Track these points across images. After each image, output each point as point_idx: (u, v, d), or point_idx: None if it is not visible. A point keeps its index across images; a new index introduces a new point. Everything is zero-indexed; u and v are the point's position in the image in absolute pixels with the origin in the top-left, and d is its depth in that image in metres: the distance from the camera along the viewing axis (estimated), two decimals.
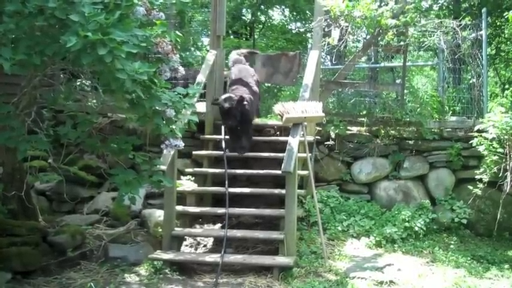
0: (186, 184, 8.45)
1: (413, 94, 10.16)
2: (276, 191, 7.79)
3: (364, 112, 10.10)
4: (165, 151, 6.46)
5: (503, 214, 8.25)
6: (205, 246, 7.70)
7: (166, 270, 6.83)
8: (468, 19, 9.76)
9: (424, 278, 6.88)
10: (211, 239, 7.68)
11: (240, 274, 6.79)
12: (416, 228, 8.27)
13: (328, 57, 12.86)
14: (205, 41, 16.25)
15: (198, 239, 7.78)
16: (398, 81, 11.44)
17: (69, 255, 6.93)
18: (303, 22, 17.85)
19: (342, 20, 9.31)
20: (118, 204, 7.87)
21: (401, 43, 9.54)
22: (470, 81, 9.90)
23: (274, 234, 7.20)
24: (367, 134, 9.21)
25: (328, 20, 9.30)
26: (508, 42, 13.49)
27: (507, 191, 7.84)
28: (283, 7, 18.54)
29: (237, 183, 8.26)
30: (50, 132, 5.90)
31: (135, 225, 7.92)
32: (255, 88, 8.92)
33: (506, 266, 7.50)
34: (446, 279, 6.85)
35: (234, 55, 9.45)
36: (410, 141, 9.10)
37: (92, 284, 6.26)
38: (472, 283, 6.76)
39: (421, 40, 9.54)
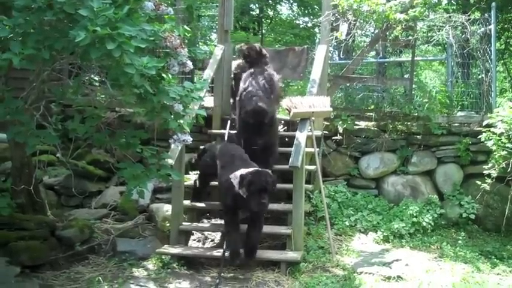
0: (194, 179, 8.45)
1: (422, 89, 10.13)
2: (284, 185, 7.79)
3: (372, 107, 10.10)
4: (173, 146, 6.49)
5: None
6: (212, 240, 7.72)
7: (174, 265, 6.85)
8: (477, 13, 9.72)
9: (432, 274, 6.87)
10: (219, 234, 7.69)
11: (247, 269, 6.78)
12: (424, 224, 8.26)
13: (336, 51, 12.85)
14: (213, 36, 16.26)
15: (206, 233, 7.80)
16: (406, 75, 11.40)
17: (77, 249, 6.96)
18: (311, 17, 17.80)
19: (350, 14, 9.28)
20: (126, 199, 7.92)
21: (410, 38, 9.51)
22: (479, 76, 9.87)
23: (282, 229, 7.20)
24: (375, 128, 9.19)
25: (336, 15, 9.27)
26: None
27: None
28: (291, 1, 18.52)
29: None
30: (59, 126, 5.92)
31: (143, 220, 7.95)
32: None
33: None
34: (454, 275, 6.84)
35: None
36: (418, 136, 9.07)
37: (100, 278, 6.30)
38: (480, 279, 6.74)
39: (429, 34, 9.51)
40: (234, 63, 9.35)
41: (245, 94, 7.81)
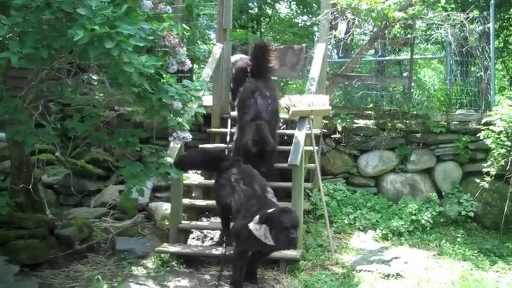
0: (193, 177, 8.47)
1: (421, 87, 10.14)
2: (283, 184, 7.79)
3: (371, 105, 10.12)
4: (172, 143, 6.47)
5: (511, 207, 8.23)
6: (212, 239, 7.72)
7: (174, 263, 6.85)
8: (476, 12, 9.73)
9: (431, 271, 6.89)
10: (218, 232, 7.69)
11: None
12: (423, 221, 8.27)
13: (335, 50, 12.86)
14: (212, 36, 16.24)
15: (205, 231, 7.80)
16: (405, 74, 11.41)
17: (77, 248, 6.97)
18: (310, 15, 17.80)
19: (349, 12, 9.30)
20: (125, 197, 7.92)
21: (409, 36, 9.51)
22: (478, 74, 9.88)
23: None
24: (374, 127, 9.20)
25: (335, 13, 9.28)
26: None
27: None
28: (289, 0, 18.52)
29: None
30: (57, 125, 5.91)
31: (142, 218, 7.96)
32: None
33: None
34: (453, 272, 6.86)
35: None
36: (417, 134, 9.09)
37: (99, 276, 6.29)
38: (479, 276, 6.77)
39: (428, 33, 9.52)
40: (238, 63, 9.30)
41: (249, 119, 7.67)
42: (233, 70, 9.36)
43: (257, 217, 5.80)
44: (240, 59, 9.51)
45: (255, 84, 8.07)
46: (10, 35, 4.63)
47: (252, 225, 5.80)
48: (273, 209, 5.86)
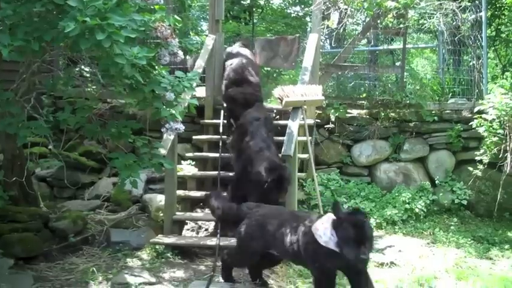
0: (187, 169, 8.46)
1: (413, 76, 10.14)
2: None
3: (364, 95, 10.13)
4: (165, 135, 6.47)
5: (503, 195, 8.29)
6: (206, 230, 7.72)
7: (168, 254, 6.86)
8: (468, 0, 9.72)
9: (425, 259, 6.93)
10: (212, 223, 7.69)
11: None
12: (417, 210, 8.31)
13: (328, 40, 12.84)
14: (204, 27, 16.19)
15: (200, 223, 7.79)
16: (398, 63, 11.42)
17: (71, 240, 6.96)
18: (302, 6, 17.76)
19: (341, 2, 9.28)
20: (119, 190, 7.92)
21: (401, 25, 9.51)
22: (470, 63, 9.89)
23: None
24: (367, 116, 9.21)
25: (328, 3, 9.26)
26: (508, 24, 13.41)
27: (507, 171, 7.92)
28: None
29: None
30: (50, 118, 5.89)
31: (136, 210, 7.95)
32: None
33: (507, 246, 7.55)
34: (447, 260, 6.90)
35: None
36: (410, 124, 9.11)
37: (94, 268, 6.30)
38: (473, 263, 6.82)
39: (420, 22, 9.51)
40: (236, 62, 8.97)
41: (255, 150, 7.25)
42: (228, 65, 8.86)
43: (323, 219, 5.03)
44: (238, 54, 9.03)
45: (252, 115, 7.78)
46: (1, 27, 4.61)
47: (314, 227, 5.00)
48: (344, 213, 4.89)
